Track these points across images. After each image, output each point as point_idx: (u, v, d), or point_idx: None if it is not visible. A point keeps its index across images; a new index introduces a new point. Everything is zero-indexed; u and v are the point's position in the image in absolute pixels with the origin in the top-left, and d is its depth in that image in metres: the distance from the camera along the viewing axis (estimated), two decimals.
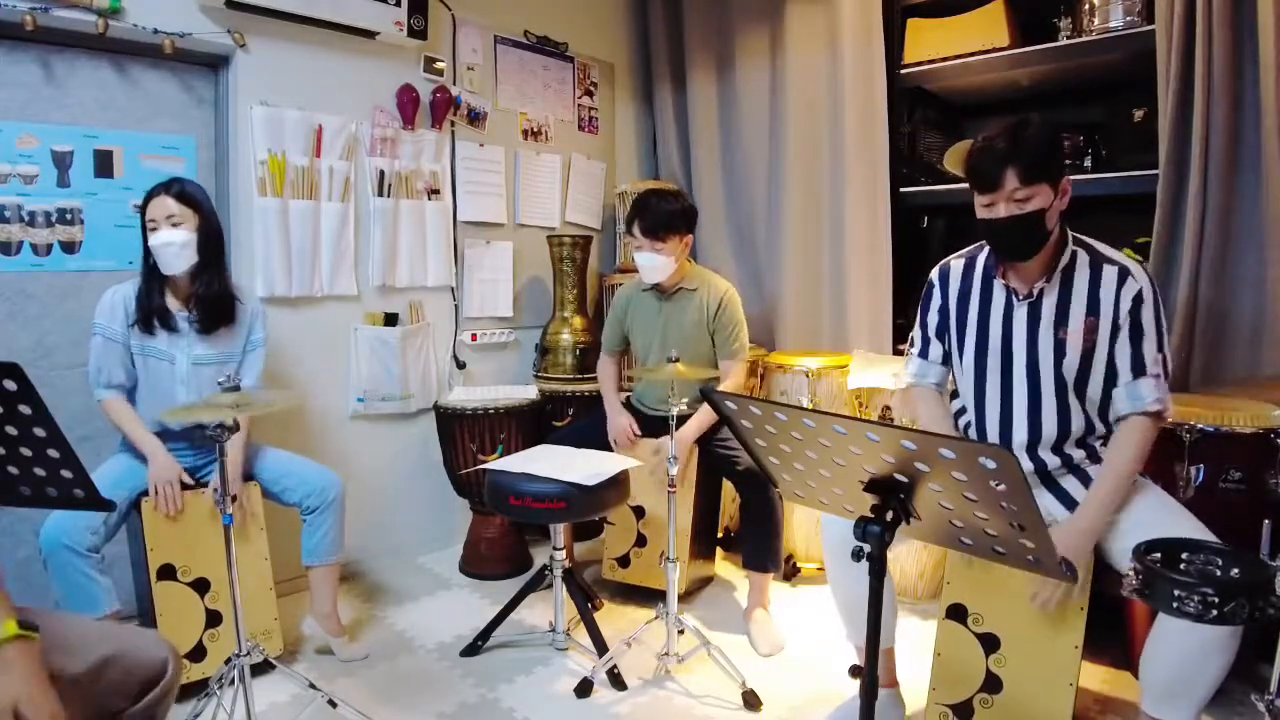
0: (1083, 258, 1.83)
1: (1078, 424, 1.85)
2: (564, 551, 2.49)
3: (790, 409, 1.27)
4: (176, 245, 2.16)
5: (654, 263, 2.66)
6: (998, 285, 1.90)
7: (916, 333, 2.09)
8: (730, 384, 2.74)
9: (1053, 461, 1.87)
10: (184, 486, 2.18)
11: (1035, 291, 1.83)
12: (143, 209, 2.20)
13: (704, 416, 2.67)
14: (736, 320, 2.76)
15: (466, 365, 3.44)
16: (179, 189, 2.20)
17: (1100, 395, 1.83)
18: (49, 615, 1.33)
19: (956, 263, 2.02)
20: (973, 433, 1.99)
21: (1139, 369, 1.76)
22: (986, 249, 1.94)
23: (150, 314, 2.22)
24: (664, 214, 2.62)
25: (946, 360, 2.04)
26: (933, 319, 2.04)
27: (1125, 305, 1.76)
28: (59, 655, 1.26)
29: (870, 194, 3.28)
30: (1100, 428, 1.87)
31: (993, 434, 1.93)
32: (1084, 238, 1.86)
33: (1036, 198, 1.70)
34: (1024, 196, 1.70)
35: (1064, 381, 1.83)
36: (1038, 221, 1.72)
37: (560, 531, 2.50)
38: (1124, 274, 1.78)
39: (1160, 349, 1.77)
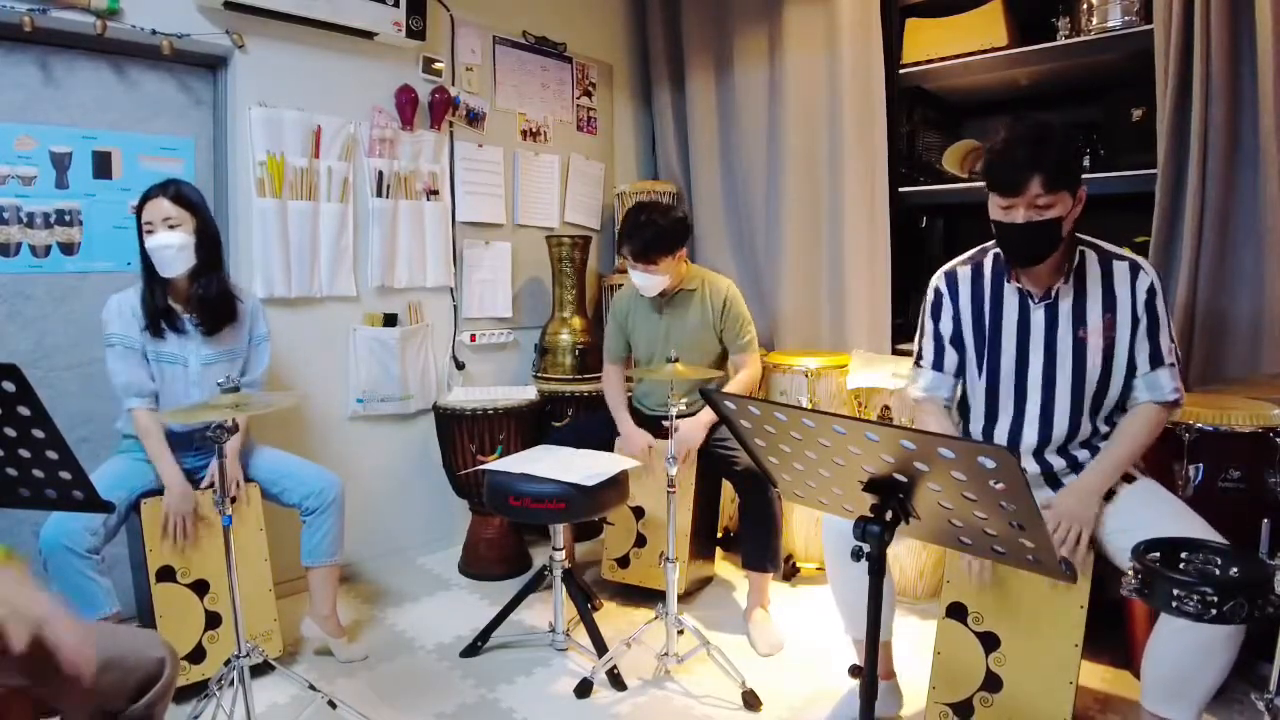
0: (1091, 256, 1.83)
1: (1086, 426, 1.86)
2: (563, 552, 2.49)
3: (789, 409, 1.27)
4: (174, 248, 2.15)
5: (649, 281, 2.67)
6: (1009, 289, 1.89)
7: (927, 344, 2.02)
8: (749, 375, 2.76)
9: (1058, 463, 1.88)
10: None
11: (1052, 293, 1.83)
12: (138, 211, 2.18)
13: (706, 419, 2.68)
14: (743, 315, 2.78)
15: (466, 366, 3.44)
16: (175, 191, 2.19)
17: (1118, 396, 1.84)
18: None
19: (962, 269, 1.98)
20: (979, 438, 1.98)
21: (1157, 360, 1.79)
22: (990, 253, 1.94)
23: (157, 316, 2.21)
24: (651, 237, 2.58)
25: (959, 371, 2.00)
26: (946, 327, 1.98)
27: (1141, 298, 1.79)
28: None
29: (869, 193, 3.28)
30: (1105, 429, 1.87)
31: (1002, 439, 1.92)
32: (1087, 237, 1.87)
33: (1057, 205, 1.70)
34: (1045, 204, 1.69)
35: (1081, 384, 1.83)
36: (1055, 228, 1.72)
37: (559, 532, 2.50)
38: (1135, 268, 1.80)
39: (1172, 339, 1.81)
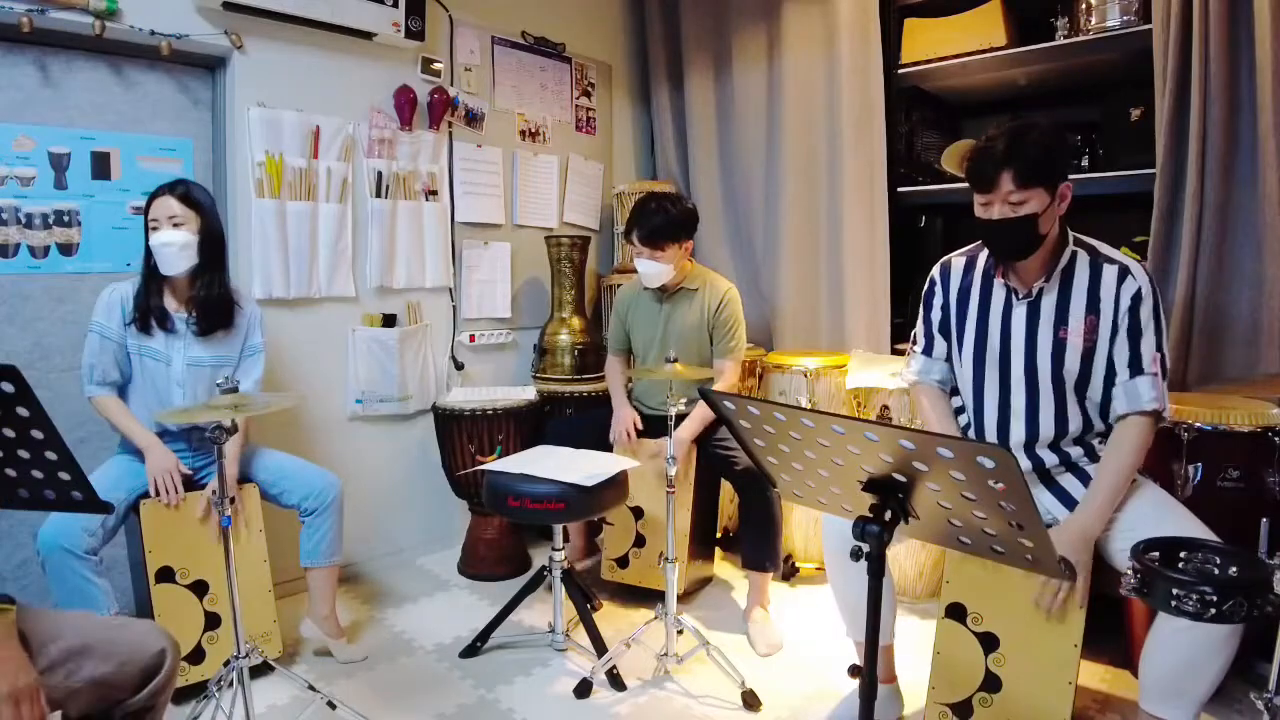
0: (1083, 258, 1.83)
1: (1075, 423, 1.85)
2: (563, 552, 2.49)
3: (788, 409, 1.27)
4: (176, 246, 2.16)
5: (653, 270, 2.67)
6: (997, 284, 1.91)
7: (920, 329, 2.09)
8: (724, 384, 2.74)
9: (1050, 459, 1.88)
10: (184, 476, 2.19)
11: (1035, 291, 1.84)
12: (146, 208, 2.20)
13: (700, 415, 2.67)
14: (735, 319, 2.77)
15: (465, 366, 3.44)
16: (183, 190, 2.20)
17: (1101, 395, 1.84)
18: (46, 612, 1.34)
19: (958, 260, 2.03)
20: (971, 431, 1.99)
21: (1136, 368, 1.77)
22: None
23: (148, 314, 2.22)
24: (661, 223, 2.61)
25: (949, 357, 2.05)
26: (935, 316, 2.04)
27: (1124, 303, 1.77)
28: (58, 650, 1.26)
29: (868, 193, 3.28)
30: (1099, 425, 1.87)
31: (990, 432, 1.93)
32: (1084, 238, 1.87)
33: (1031, 201, 1.71)
34: (1018, 200, 1.71)
35: (1063, 382, 1.83)
36: (1031, 224, 1.73)
37: (559, 532, 2.50)
38: (1124, 272, 1.79)
39: (1158, 348, 1.77)
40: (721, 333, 2.76)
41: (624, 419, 2.79)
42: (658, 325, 2.82)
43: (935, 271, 2.06)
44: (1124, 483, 1.76)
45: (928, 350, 2.06)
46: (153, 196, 2.20)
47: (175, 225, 2.17)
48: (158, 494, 2.14)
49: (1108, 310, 1.79)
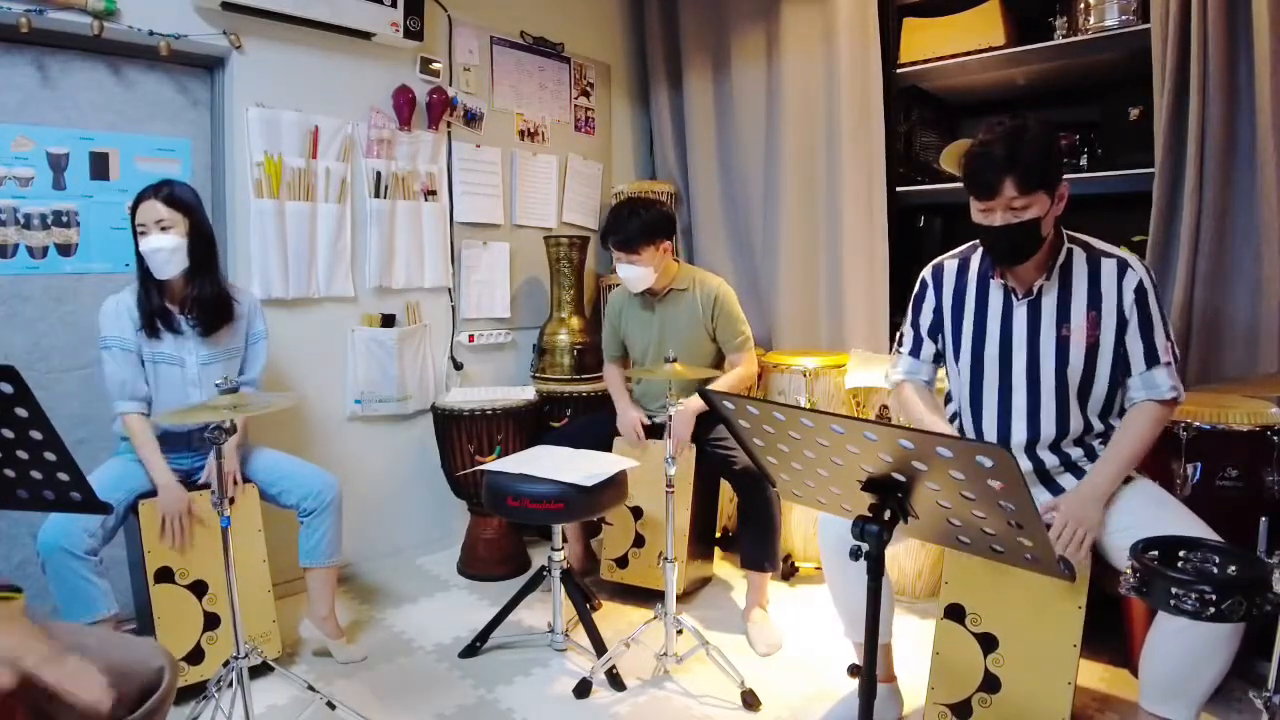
0: (1079, 254, 1.83)
1: (1077, 424, 1.85)
2: (562, 552, 2.49)
3: (788, 408, 1.27)
4: (166, 251, 2.14)
5: (633, 274, 2.68)
6: (994, 285, 1.90)
7: (908, 331, 2.08)
8: (744, 373, 2.76)
9: (1051, 461, 1.88)
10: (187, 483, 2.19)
11: (1035, 290, 1.84)
12: (132, 213, 2.18)
13: (693, 406, 2.67)
14: (735, 315, 2.78)
15: (464, 366, 3.44)
16: (168, 192, 2.17)
17: (1105, 394, 1.84)
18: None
19: (950, 262, 2.01)
20: (969, 434, 1.99)
21: (1152, 359, 1.78)
22: (981, 249, 1.95)
23: (153, 317, 2.21)
24: (633, 228, 2.62)
25: (938, 359, 2.05)
26: (925, 318, 2.03)
27: (1129, 297, 1.77)
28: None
29: (867, 193, 3.28)
30: (1099, 426, 1.87)
31: (990, 435, 1.93)
32: (1078, 235, 1.87)
33: (1034, 206, 1.70)
34: (1021, 205, 1.70)
35: (1065, 382, 1.83)
36: (1034, 229, 1.72)
37: (559, 532, 2.50)
38: (1123, 266, 1.79)
39: (1168, 336, 1.79)
40: (727, 332, 2.77)
41: (630, 421, 2.79)
42: (652, 329, 2.82)
43: (926, 273, 2.05)
44: (1135, 459, 1.78)
45: (915, 352, 2.06)
46: (137, 200, 2.17)
47: (163, 229, 2.14)
48: (163, 535, 2.13)
49: (1110, 305, 1.79)
